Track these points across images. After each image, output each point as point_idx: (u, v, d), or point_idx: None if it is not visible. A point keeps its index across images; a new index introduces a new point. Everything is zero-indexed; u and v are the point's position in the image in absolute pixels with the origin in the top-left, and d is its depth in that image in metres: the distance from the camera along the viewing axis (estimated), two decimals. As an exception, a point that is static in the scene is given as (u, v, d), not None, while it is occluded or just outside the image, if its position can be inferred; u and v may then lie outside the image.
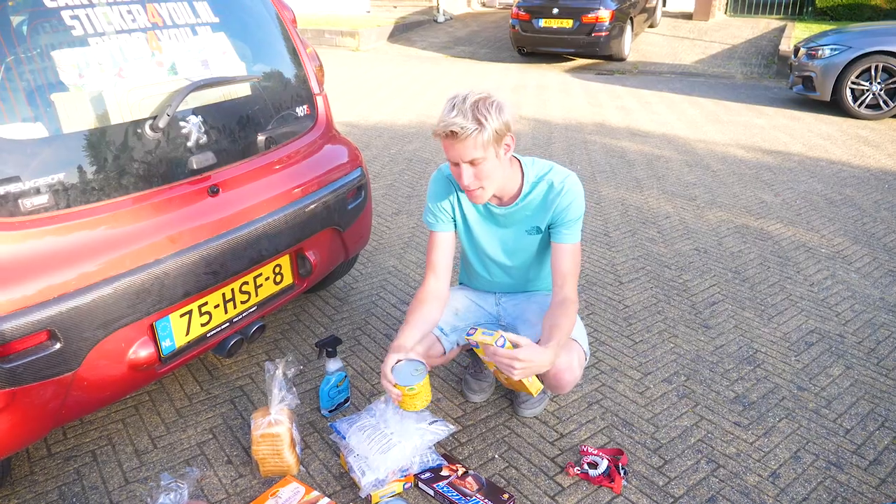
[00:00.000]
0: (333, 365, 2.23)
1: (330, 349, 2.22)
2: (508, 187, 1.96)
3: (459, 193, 2.06)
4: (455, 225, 2.12)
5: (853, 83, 6.48)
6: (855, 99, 6.55)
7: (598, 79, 9.02)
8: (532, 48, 10.27)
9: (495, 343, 1.74)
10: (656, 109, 7.16)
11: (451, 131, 1.75)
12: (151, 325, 1.93)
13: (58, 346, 1.68)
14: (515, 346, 1.75)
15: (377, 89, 8.23)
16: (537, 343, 1.85)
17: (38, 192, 1.69)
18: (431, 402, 2.32)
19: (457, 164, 1.83)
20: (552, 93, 8.04)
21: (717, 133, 6.16)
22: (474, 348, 1.90)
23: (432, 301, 2.05)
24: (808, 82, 6.80)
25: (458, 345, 2.16)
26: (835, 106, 6.83)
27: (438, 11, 13.95)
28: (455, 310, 2.18)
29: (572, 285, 1.97)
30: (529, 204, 2.00)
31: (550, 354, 1.78)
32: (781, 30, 11.48)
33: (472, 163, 1.81)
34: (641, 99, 7.70)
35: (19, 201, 1.66)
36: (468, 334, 1.82)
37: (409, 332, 1.96)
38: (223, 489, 1.96)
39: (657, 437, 2.17)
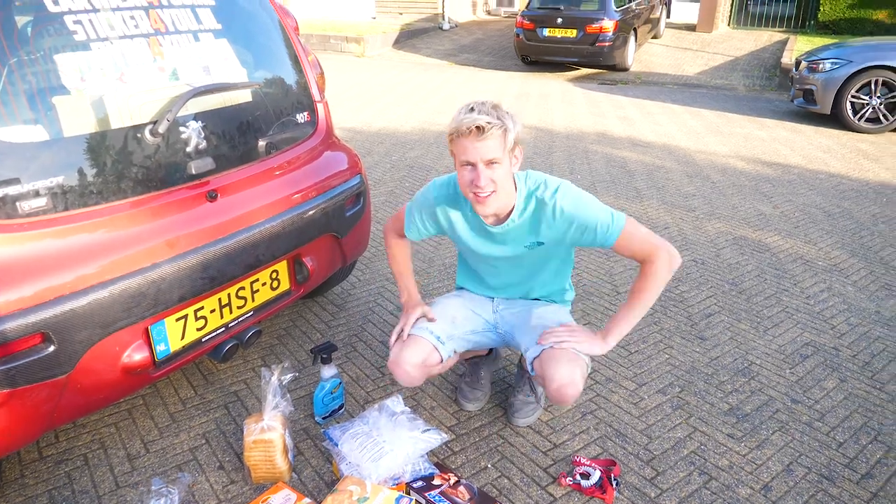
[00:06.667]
0: (328, 371, 2.22)
1: (325, 356, 2.21)
2: (506, 203, 1.92)
3: (451, 212, 2.03)
4: (444, 234, 2.13)
5: (853, 97, 6.47)
6: (855, 112, 6.54)
7: (601, 88, 9.02)
8: (536, 57, 10.28)
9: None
10: (658, 120, 7.15)
11: (478, 126, 1.75)
12: (146, 329, 1.92)
13: (52, 348, 1.67)
14: None
15: (381, 96, 8.24)
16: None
17: (37, 194, 1.69)
18: (426, 409, 2.32)
19: (472, 166, 1.81)
20: (555, 101, 8.04)
21: (717, 144, 6.15)
22: None
23: (407, 244, 2.25)
24: (808, 95, 6.80)
25: (455, 352, 2.15)
26: (835, 119, 6.81)
27: (444, 19, 13.98)
28: (452, 318, 2.17)
29: (649, 251, 1.89)
30: (523, 223, 1.96)
31: (599, 341, 1.98)
32: (784, 42, 11.48)
33: (490, 163, 1.79)
34: (643, 109, 7.69)
35: (17, 203, 1.66)
36: None
37: (410, 281, 2.23)
38: (214, 495, 1.95)
39: (650, 449, 2.16)
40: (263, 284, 2.29)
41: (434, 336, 2.09)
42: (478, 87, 8.98)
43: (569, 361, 1.93)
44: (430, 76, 9.80)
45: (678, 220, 4.20)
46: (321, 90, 2.62)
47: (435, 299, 2.31)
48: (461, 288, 2.35)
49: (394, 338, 2.11)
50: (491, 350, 2.45)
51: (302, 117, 2.47)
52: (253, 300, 2.26)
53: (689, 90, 8.95)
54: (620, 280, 3.36)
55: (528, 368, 2.03)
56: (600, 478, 1.98)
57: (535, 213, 1.95)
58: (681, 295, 3.21)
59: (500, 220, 1.98)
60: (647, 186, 4.89)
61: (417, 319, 2.14)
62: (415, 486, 1.92)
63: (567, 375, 1.91)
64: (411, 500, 1.80)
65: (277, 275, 2.34)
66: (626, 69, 10.16)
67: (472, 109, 1.79)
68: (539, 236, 1.98)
